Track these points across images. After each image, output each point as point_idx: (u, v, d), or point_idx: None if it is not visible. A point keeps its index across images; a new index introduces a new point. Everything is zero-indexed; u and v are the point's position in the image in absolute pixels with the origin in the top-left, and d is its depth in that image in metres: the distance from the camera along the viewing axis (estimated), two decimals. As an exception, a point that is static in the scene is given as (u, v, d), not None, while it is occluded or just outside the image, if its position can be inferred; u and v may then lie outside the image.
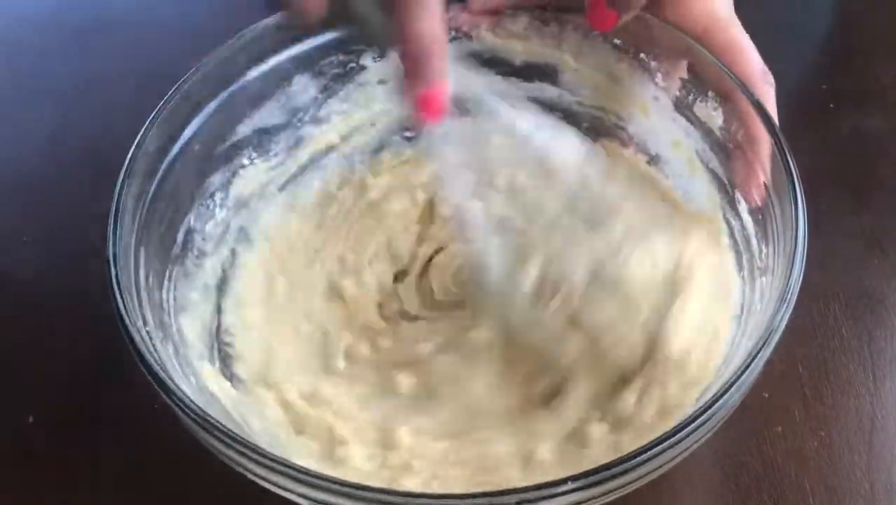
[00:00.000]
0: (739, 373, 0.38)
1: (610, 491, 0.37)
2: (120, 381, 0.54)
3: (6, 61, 0.74)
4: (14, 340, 0.58)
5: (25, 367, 0.56)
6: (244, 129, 0.53)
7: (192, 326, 0.49)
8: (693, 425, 0.37)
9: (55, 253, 0.61)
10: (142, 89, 0.69)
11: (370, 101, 0.57)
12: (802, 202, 0.43)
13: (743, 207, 0.49)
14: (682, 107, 0.53)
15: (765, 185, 0.47)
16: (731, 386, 0.38)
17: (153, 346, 0.41)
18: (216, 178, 0.52)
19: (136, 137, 0.47)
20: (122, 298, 0.41)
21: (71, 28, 0.76)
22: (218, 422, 0.38)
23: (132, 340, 0.40)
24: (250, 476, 0.38)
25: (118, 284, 0.42)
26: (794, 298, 0.41)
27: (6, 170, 0.67)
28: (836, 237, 0.58)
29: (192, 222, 0.51)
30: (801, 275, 0.41)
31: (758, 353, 0.39)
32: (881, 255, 0.59)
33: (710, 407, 0.37)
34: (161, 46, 0.72)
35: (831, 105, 0.67)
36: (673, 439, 0.36)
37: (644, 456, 0.36)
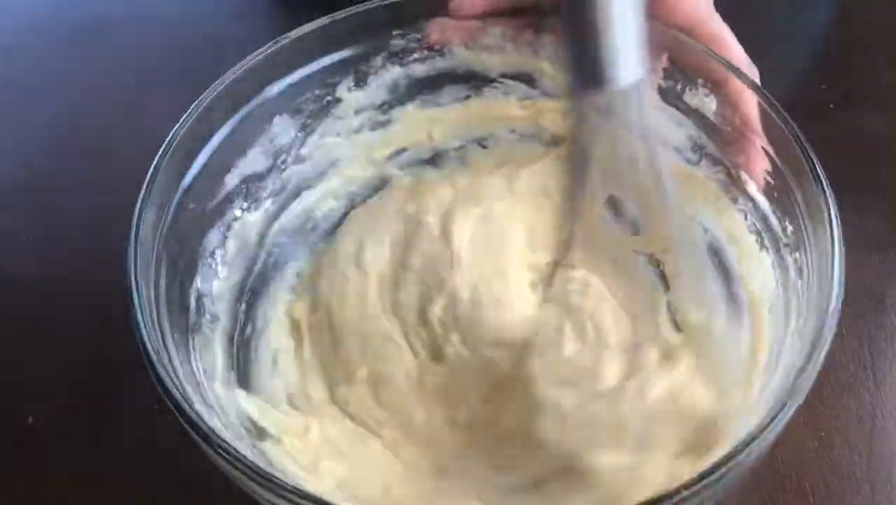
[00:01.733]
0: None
1: None
2: (120, 381, 0.54)
3: (6, 62, 0.74)
4: (14, 339, 0.58)
5: (25, 367, 0.56)
6: (232, 180, 0.51)
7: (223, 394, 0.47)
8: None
9: (56, 253, 0.61)
10: (142, 89, 0.69)
11: (349, 132, 0.56)
12: (823, 178, 0.44)
13: (753, 187, 0.49)
14: (671, 97, 0.52)
15: (767, 153, 0.47)
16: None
17: (208, 426, 0.39)
18: (213, 236, 0.50)
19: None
20: (168, 375, 0.39)
21: (70, 28, 0.76)
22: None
23: (195, 426, 0.38)
24: None
25: (155, 357, 0.39)
26: (832, 333, 0.40)
27: (6, 170, 0.67)
28: (836, 237, 0.58)
29: (199, 285, 0.49)
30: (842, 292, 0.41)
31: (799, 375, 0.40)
32: (881, 255, 0.59)
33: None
34: (161, 46, 0.72)
35: (831, 105, 0.67)
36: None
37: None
